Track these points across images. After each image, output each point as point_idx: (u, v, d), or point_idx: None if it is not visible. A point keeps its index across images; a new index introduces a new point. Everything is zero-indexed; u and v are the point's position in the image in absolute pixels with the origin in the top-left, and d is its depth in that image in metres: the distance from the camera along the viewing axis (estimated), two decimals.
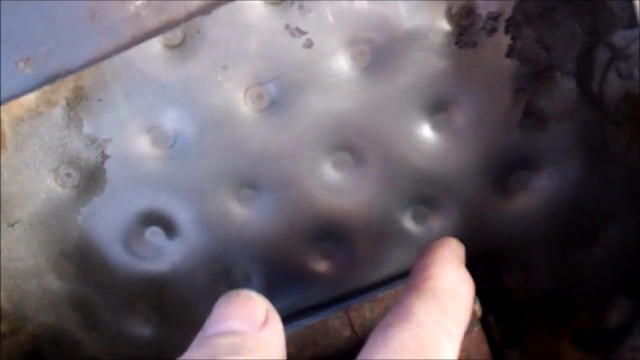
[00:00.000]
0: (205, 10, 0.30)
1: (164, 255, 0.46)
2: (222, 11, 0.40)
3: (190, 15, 0.29)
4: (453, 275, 0.35)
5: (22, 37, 0.31)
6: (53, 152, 0.44)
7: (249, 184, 0.45)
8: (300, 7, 0.41)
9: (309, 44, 0.41)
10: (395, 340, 0.31)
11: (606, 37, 0.39)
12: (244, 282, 0.47)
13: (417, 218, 0.45)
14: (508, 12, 0.41)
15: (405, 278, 0.45)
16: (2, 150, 0.43)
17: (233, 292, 0.35)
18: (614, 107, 0.40)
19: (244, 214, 0.45)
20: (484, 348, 0.40)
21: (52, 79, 0.30)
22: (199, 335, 0.34)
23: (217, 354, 0.31)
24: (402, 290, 0.35)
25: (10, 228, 0.45)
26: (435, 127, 0.43)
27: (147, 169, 0.44)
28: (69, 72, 0.29)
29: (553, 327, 0.46)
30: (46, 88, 0.41)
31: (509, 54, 0.41)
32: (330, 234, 0.46)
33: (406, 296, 0.34)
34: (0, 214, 0.45)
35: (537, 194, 0.44)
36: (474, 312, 0.41)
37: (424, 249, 0.38)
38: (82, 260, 0.46)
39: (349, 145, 0.44)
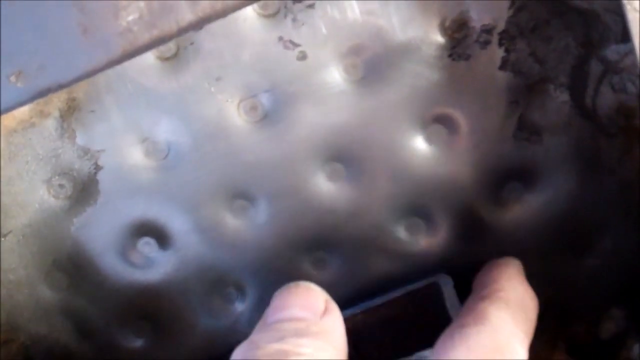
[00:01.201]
0: (197, 26, 0.30)
1: (157, 266, 0.46)
2: (216, 23, 0.39)
3: (182, 31, 0.29)
4: (521, 289, 0.38)
5: (14, 51, 0.31)
6: (46, 163, 0.44)
7: (242, 195, 0.45)
8: (294, 19, 0.41)
9: (303, 57, 0.41)
10: (472, 340, 0.33)
11: (599, 51, 0.39)
12: (237, 293, 0.47)
13: (411, 229, 0.45)
14: (501, 25, 0.41)
15: (398, 289, 0.45)
16: None
17: (292, 284, 0.37)
18: (607, 120, 0.40)
19: (237, 224, 0.45)
20: None
21: (43, 93, 0.30)
22: (260, 323, 0.36)
23: (283, 337, 0.33)
24: (472, 299, 0.37)
25: (3, 239, 0.45)
26: (429, 139, 0.43)
27: (140, 180, 0.44)
28: (60, 87, 0.29)
29: (547, 338, 0.46)
30: (39, 100, 0.41)
31: (502, 67, 0.41)
32: (324, 244, 0.46)
33: (479, 303, 0.36)
34: None
35: (530, 205, 0.44)
36: None
37: (489, 265, 0.40)
38: (75, 271, 0.46)
39: (343, 157, 0.44)
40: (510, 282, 0.38)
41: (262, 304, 0.47)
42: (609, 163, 0.43)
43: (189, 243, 0.46)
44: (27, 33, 0.31)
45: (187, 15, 0.31)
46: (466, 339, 0.33)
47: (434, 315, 0.44)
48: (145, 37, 0.30)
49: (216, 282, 0.47)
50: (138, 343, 0.48)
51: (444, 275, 0.45)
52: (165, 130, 0.43)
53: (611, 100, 0.40)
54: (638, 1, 0.33)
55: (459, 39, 0.41)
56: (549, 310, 0.46)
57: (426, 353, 0.39)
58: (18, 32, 0.31)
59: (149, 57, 0.41)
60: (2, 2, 0.30)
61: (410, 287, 0.46)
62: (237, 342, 0.47)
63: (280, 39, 0.41)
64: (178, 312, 0.47)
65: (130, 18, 0.30)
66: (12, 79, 0.30)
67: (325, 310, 0.36)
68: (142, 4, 0.30)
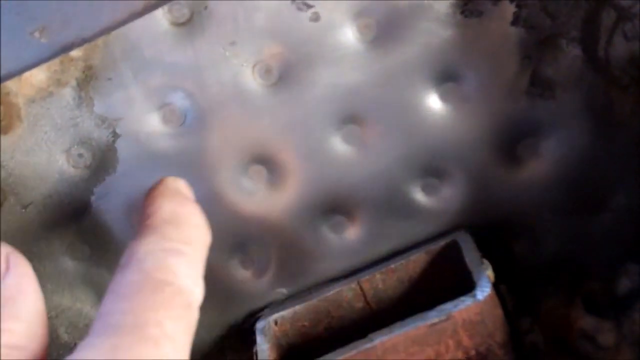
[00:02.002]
0: None
1: None
2: None
3: None
4: (167, 206, 0.35)
5: (37, 6, 0.31)
6: (64, 132, 0.44)
7: (258, 160, 0.45)
8: None
9: (316, 18, 0.42)
10: (123, 281, 0.30)
11: (609, 2, 0.39)
12: (255, 258, 0.48)
13: (427, 189, 0.46)
14: None
15: (416, 249, 0.46)
16: (17, 123, 0.43)
17: None
18: (620, 71, 0.41)
19: (254, 189, 0.46)
20: (498, 312, 0.40)
21: (67, 48, 0.30)
22: None
23: None
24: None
25: (24, 210, 0.46)
26: (443, 97, 0.43)
27: (158, 146, 0.44)
28: (84, 41, 0.30)
29: (564, 295, 0.46)
30: (56, 68, 0.41)
31: (514, 23, 0.42)
32: (341, 207, 0.46)
33: (131, 241, 0.33)
34: (12, 196, 0.45)
35: (545, 161, 0.45)
36: (487, 277, 0.41)
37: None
38: (96, 241, 0.47)
39: (358, 118, 0.44)
40: (155, 203, 0.35)
41: (281, 267, 0.48)
42: (621, 116, 0.43)
43: (207, 209, 0.46)
44: None
45: None
46: (117, 282, 0.31)
47: (453, 272, 0.44)
48: None
49: (236, 248, 0.47)
50: None
51: (462, 232, 0.45)
52: (182, 96, 0.44)
53: (624, 50, 0.40)
54: None
55: None
56: (564, 267, 0.47)
57: (448, 306, 0.40)
58: None
59: (163, 23, 0.42)
60: None
61: (429, 246, 0.46)
62: (258, 305, 0.48)
63: (294, 1, 0.41)
64: None
65: None
66: (36, 34, 0.31)
67: (8, 269, 0.30)
68: None
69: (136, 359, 0.26)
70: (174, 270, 0.31)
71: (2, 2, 0.30)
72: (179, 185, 0.37)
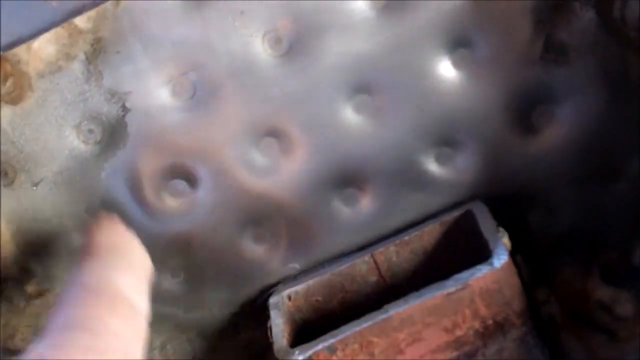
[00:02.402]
0: None
1: (188, 208, 0.46)
2: None
3: None
4: (106, 237, 0.38)
5: None
6: (74, 107, 0.44)
7: (270, 132, 0.45)
8: None
9: None
10: (68, 294, 0.34)
11: None
12: (269, 233, 0.47)
13: (441, 159, 0.45)
14: None
15: (430, 220, 0.45)
16: (29, 93, 0.42)
17: None
18: (636, 32, 0.40)
19: (265, 162, 0.45)
20: (515, 280, 0.40)
21: (78, 11, 0.30)
22: None
23: None
24: None
25: (34, 187, 0.45)
26: (456, 63, 0.43)
27: (168, 120, 0.44)
28: (95, 4, 0.29)
29: (580, 265, 0.46)
30: (65, 41, 0.41)
31: None
32: (353, 179, 0.46)
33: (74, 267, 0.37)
34: (23, 173, 0.45)
35: (560, 128, 0.44)
36: (504, 244, 0.41)
37: None
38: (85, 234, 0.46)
39: (369, 87, 0.44)
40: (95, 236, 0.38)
41: (293, 242, 0.48)
42: (637, 81, 0.42)
43: (219, 183, 0.46)
44: None
45: None
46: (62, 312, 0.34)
47: (468, 243, 0.44)
48: None
49: (247, 222, 0.47)
50: (173, 287, 0.48)
51: (478, 202, 0.45)
52: (191, 69, 0.43)
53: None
54: None
55: None
56: (580, 237, 0.46)
57: (464, 275, 0.39)
58: None
59: None
60: None
61: (443, 217, 0.46)
62: (271, 280, 0.47)
63: None
64: (211, 254, 0.48)
65: None
66: None
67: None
68: None
69: (81, 351, 0.29)
70: (116, 283, 0.34)
71: None
72: (114, 221, 0.40)
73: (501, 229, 0.42)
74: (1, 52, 0.31)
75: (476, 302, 0.40)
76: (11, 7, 0.31)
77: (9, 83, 0.41)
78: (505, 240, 0.41)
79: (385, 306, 0.41)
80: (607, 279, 0.46)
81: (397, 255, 0.46)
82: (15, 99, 0.42)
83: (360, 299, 0.47)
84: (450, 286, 0.40)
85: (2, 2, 0.30)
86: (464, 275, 0.40)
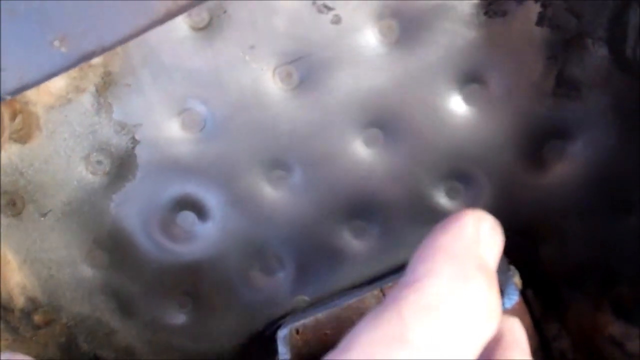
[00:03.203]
0: None
1: (196, 239, 0.46)
2: None
3: None
4: (443, 279, 0.26)
5: (57, 16, 0.31)
6: (83, 139, 0.44)
7: (279, 165, 0.44)
8: None
9: (337, 20, 0.41)
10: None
11: (637, 0, 0.39)
12: (277, 264, 0.47)
13: (451, 193, 0.45)
14: None
15: None
16: (37, 133, 0.42)
17: None
18: None
19: (275, 194, 0.45)
20: (526, 320, 0.40)
21: (88, 57, 0.29)
22: None
23: None
24: (395, 288, 0.26)
25: (42, 218, 0.45)
26: (467, 99, 0.43)
27: (177, 153, 0.44)
28: (104, 50, 0.29)
29: (592, 299, 0.45)
30: (75, 74, 0.41)
31: (539, 22, 0.41)
32: (363, 212, 0.46)
33: (392, 303, 0.25)
34: (31, 203, 0.45)
35: (571, 163, 0.44)
36: (515, 284, 0.40)
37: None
38: (115, 248, 0.46)
39: (380, 122, 0.43)
40: (433, 263, 0.26)
41: (302, 274, 0.47)
42: None
43: (227, 215, 0.46)
44: None
45: None
46: None
47: None
48: None
49: (256, 254, 0.47)
50: (180, 318, 0.48)
51: None
52: (201, 101, 0.43)
53: None
54: None
55: None
56: (592, 271, 0.46)
57: None
58: None
59: (183, 27, 0.41)
60: None
61: None
62: (279, 313, 0.47)
63: (314, 2, 0.41)
64: (219, 285, 0.47)
65: None
66: (56, 44, 0.30)
67: None
68: None
69: None
70: None
71: (21, 10, 0.29)
72: (476, 236, 0.29)
73: (512, 267, 0.41)
74: (9, 97, 0.31)
75: None
76: (19, 51, 0.31)
77: (18, 120, 0.41)
78: (517, 279, 0.41)
79: None
80: (619, 314, 0.46)
81: None
82: (23, 137, 0.42)
83: None
84: None
85: (10, 46, 0.30)
86: None
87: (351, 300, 0.46)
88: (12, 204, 0.45)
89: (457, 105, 0.43)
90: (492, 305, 0.26)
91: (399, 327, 0.24)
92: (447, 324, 0.24)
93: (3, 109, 0.41)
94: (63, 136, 0.43)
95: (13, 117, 0.41)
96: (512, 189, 0.44)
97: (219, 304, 0.48)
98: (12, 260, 0.46)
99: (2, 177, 0.44)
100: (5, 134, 0.41)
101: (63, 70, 0.30)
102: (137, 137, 0.43)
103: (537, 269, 0.45)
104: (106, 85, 0.42)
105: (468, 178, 0.44)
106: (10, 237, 0.46)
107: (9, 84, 0.31)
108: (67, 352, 0.48)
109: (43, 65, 0.31)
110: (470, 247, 0.27)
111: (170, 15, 0.30)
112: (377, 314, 0.25)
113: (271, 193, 0.45)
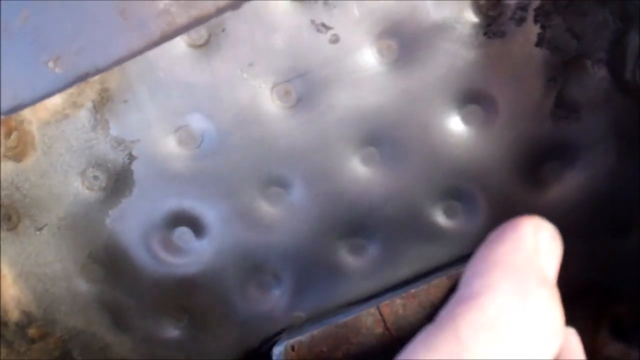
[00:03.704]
0: (234, 5, 0.29)
1: (193, 256, 0.46)
2: (247, 8, 0.39)
3: (220, 11, 0.29)
4: (503, 295, 0.24)
5: (52, 36, 0.31)
6: (80, 154, 0.44)
7: (277, 182, 0.44)
8: (326, 2, 0.40)
9: (335, 39, 0.41)
10: None
11: (638, 23, 0.38)
12: (273, 280, 0.47)
13: (448, 212, 0.45)
14: (536, 1, 0.40)
15: (437, 273, 0.45)
16: (32, 151, 0.42)
17: None
18: None
19: (272, 212, 0.45)
20: None
21: (82, 78, 0.29)
22: None
23: None
24: (449, 305, 0.25)
25: (38, 232, 0.45)
26: (466, 119, 0.42)
27: (174, 169, 0.44)
28: (99, 71, 0.29)
29: (590, 320, 0.45)
30: (72, 90, 0.41)
31: (538, 44, 0.41)
32: (360, 229, 0.45)
33: (447, 322, 0.24)
34: (27, 218, 0.45)
35: (570, 184, 0.43)
36: None
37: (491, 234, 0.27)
38: (111, 263, 0.46)
39: (378, 140, 0.43)
40: (490, 279, 0.25)
41: (298, 290, 0.47)
42: None
43: (224, 232, 0.45)
44: (65, 18, 0.30)
45: None
46: None
47: None
48: (183, 18, 0.29)
49: (252, 270, 0.47)
50: (175, 333, 0.48)
51: None
52: (198, 118, 0.43)
53: None
54: None
55: (494, 16, 0.41)
56: (590, 291, 0.46)
57: None
58: (55, 17, 0.31)
59: (181, 44, 0.41)
60: None
61: (451, 271, 0.45)
62: (275, 329, 0.47)
63: (312, 22, 0.41)
64: (215, 301, 0.47)
65: None
66: (50, 64, 0.30)
67: None
68: None
69: None
70: None
71: (16, 31, 0.29)
72: (537, 247, 0.29)
73: None
74: (3, 116, 0.31)
75: None
76: (14, 71, 0.31)
77: (13, 137, 0.41)
78: None
79: None
80: (617, 335, 0.45)
81: (403, 308, 0.45)
82: (18, 155, 0.42)
83: (366, 351, 0.46)
84: None
85: (4, 66, 0.30)
86: None
87: (348, 318, 0.46)
88: (8, 218, 0.45)
89: (456, 125, 0.42)
90: (555, 321, 0.24)
91: (457, 348, 0.23)
92: (509, 345, 0.23)
93: None
94: (59, 151, 0.43)
95: (8, 134, 0.41)
96: (510, 209, 0.44)
97: (214, 320, 0.48)
98: (7, 274, 0.46)
99: None
100: (1, 152, 0.41)
101: (57, 91, 0.30)
102: (134, 153, 0.43)
103: None
104: (103, 101, 0.42)
105: (466, 197, 0.44)
106: (6, 251, 0.45)
107: (4, 103, 0.31)
108: None
109: (37, 86, 0.30)
110: (530, 259, 0.26)
111: (165, 38, 0.29)
112: (431, 333, 0.24)
113: (268, 209, 0.45)
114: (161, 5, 0.30)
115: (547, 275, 0.26)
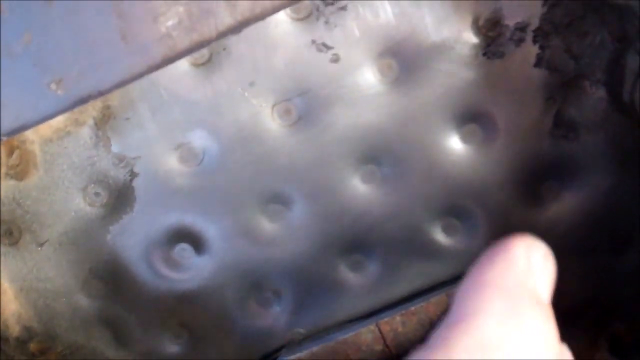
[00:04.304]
0: (236, 30, 0.29)
1: (193, 272, 0.46)
2: (249, 28, 0.39)
3: (221, 35, 0.29)
4: (495, 317, 0.24)
5: (54, 58, 0.31)
6: (82, 171, 0.44)
7: (277, 199, 0.44)
8: (326, 22, 0.41)
9: (336, 59, 0.41)
10: None
11: (636, 44, 0.39)
12: (274, 297, 0.47)
13: (447, 230, 0.45)
14: (535, 22, 0.40)
15: (436, 291, 0.45)
16: (33, 171, 0.43)
17: None
18: None
19: (272, 228, 0.45)
20: None
21: (84, 100, 0.30)
22: None
23: None
24: (441, 328, 0.24)
25: (39, 248, 0.45)
26: (465, 138, 0.43)
27: (175, 186, 0.44)
28: (101, 93, 0.29)
29: (588, 337, 0.45)
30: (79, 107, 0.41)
31: (537, 64, 0.41)
32: (360, 247, 0.46)
33: (439, 346, 0.24)
34: (29, 233, 0.45)
35: (568, 203, 0.44)
36: None
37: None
38: (112, 279, 0.46)
39: (377, 158, 0.43)
40: (480, 303, 0.24)
41: (298, 307, 0.47)
42: None
43: (225, 248, 0.46)
44: (67, 40, 0.31)
45: (226, 19, 0.31)
46: None
47: None
48: (184, 41, 0.30)
49: (253, 287, 0.47)
50: (175, 349, 0.48)
51: None
52: (200, 136, 0.43)
53: None
54: None
55: (493, 37, 0.41)
56: (588, 307, 0.46)
57: None
58: (57, 40, 0.31)
59: (183, 63, 0.42)
60: (41, 9, 0.30)
61: (450, 289, 0.45)
62: (275, 345, 0.47)
63: (313, 42, 0.41)
64: (215, 317, 0.47)
65: (169, 23, 0.30)
66: (53, 86, 0.31)
67: None
68: (181, 9, 0.30)
69: None
70: None
71: (19, 52, 0.30)
72: (527, 268, 0.28)
73: None
74: (5, 138, 0.31)
75: None
76: (16, 93, 0.31)
77: (15, 155, 0.41)
78: None
79: None
80: (615, 352, 0.46)
81: (403, 325, 0.45)
82: (19, 174, 0.43)
83: None
84: None
85: (7, 88, 0.30)
86: None
87: (347, 335, 0.46)
88: (9, 233, 0.45)
89: (455, 144, 0.43)
90: (549, 340, 0.25)
91: None
92: None
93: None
94: (61, 168, 0.44)
95: (10, 153, 0.41)
96: (508, 227, 0.44)
97: (214, 336, 0.48)
98: (8, 289, 0.46)
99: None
100: (2, 171, 0.42)
101: (59, 113, 0.30)
102: (135, 169, 0.44)
103: None
104: (105, 119, 0.42)
105: (465, 215, 0.44)
106: (7, 266, 0.46)
107: (6, 124, 0.31)
108: None
109: (39, 108, 0.31)
110: (522, 280, 0.26)
111: (167, 61, 0.30)
112: (423, 357, 0.23)
113: (268, 226, 0.45)
114: (163, 29, 0.30)
115: (540, 295, 0.26)
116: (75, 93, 0.31)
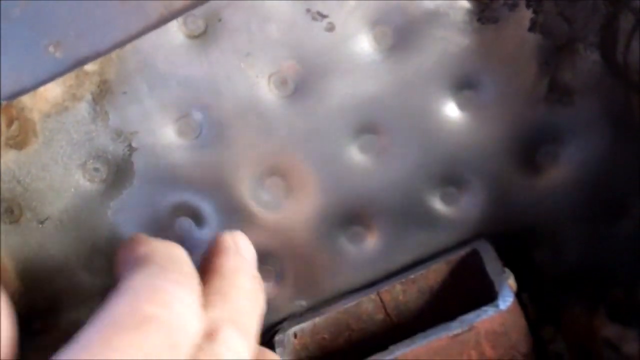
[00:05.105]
0: None
1: (194, 247, 0.46)
2: None
3: None
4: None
5: (51, 21, 0.31)
6: (80, 147, 0.44)
7: (275, 171, 0.45)
8: None
9: (331, 28, 0.42)
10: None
11: (630, 2, 0.39)
12: (274, 272, 0.47)
13: (446, 198, 0.45)
14: None
15: (436, 259, 0.45)
16: (33, 139, 0.43)
17: None
18: (638, 76, 0.40)
19: (271, 201, 0.45)
20: (521, 322, 0.40)
21: (82, 62, 0.30)
22: None
23: None
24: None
25: (40, 225, 0.45)
26: (461, 105, 0.43)
27: (174, 160, 0.44)
28: (98, 55, 0.30)
29: (587, 303, 0.46)
30: (71, 82, 0.41)
31: (531, 29, 0.41)
32: (359, 217, 0.46)
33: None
34: (29, 211, 0.45)
35: (564, 168, 0.44)
36: (509, 286, 0.40)
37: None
38: (114, 255, 0.46)
39: (375, 128, 0.44)
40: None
41: (299, 279, 0.48)
42: None
43: (225, 221, 0.46)
44: (63, 2, 0.31)
45: None
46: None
47: (475, 282, 0.43)
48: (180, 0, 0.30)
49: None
50: None
51: (482, 241, 0.44)
52: (197, 109, 0.44)
53: None
54: None
55: (487, 2, 0.41)
56: (587, 274, 0.46)
57: (470, 317, 0.39)
58: (54, 2, 0.31)
59: (178, 35, 0.42)
60: None
61: (449, 256, 0.45)
62: (276, 318, 0.47)
63: (308, 10, 0.41)
64: None
65: None
66: (51, 49, 0.31)
67: None
68: None
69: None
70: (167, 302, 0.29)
71: (16, 15, 0.30)
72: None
73: (507, 270, 0.42)
74: (4, 102, 0.31)
75: (482, 344, 0.40)
76: (14, 57, 0.31)
77: (14, 126, 0.41)
78: (511, 281, 0.41)
79: (391, 347, 0.41)
80: (614, 317, 0.46)
81: (403, 293, 0.46)
82: (20, 144, 0.43)
83: (367, 337, 0.47)
84: (456, 328, 0.40)
85: (5, 52, 0.30)
86: (470, 317, 0.40)
87: (348, 305, 0.46)
88: (10, 211, 0.45)
89: (451, 111, 0.43)
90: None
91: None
92: None
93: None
94: (60, 144, 0.44)
95: (9, 123, 0.41)
96: (506, 194, 0.45)
97: None
98: (10, 266, 0.46)
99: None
100: (2, 140, 0.42)
101: (58, 76, 0.31)
102: (133, 144, 0.44)
103: (532, 273, 0.46)
104: (102, 93, 0.42)
105: (463, 182, 0.45)
106: (9, 244, 0.46)
107: (4, 89, 0.31)
108: None
109: (38, 71, 0.31)
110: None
111: (163, 20, 0.30)
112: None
113: (267, 199, 0.45)
114: None
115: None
116: (74, 55, 0.31)
